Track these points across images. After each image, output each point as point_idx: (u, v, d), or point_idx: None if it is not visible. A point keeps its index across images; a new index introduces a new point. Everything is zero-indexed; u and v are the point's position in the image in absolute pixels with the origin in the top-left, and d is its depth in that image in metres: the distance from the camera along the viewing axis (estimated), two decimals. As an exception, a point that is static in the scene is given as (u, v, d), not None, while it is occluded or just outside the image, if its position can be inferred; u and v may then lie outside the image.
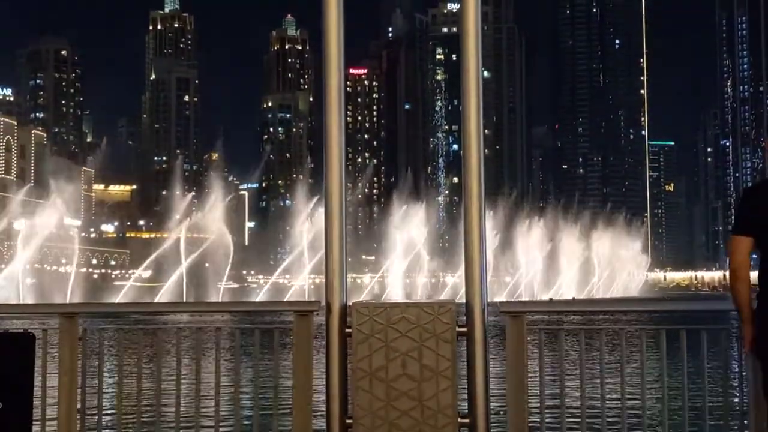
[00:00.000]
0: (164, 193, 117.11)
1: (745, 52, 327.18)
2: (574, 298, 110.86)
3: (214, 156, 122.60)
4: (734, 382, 7.49)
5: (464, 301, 7.10)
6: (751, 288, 6.71)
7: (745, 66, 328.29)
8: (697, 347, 7.37)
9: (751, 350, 6.71)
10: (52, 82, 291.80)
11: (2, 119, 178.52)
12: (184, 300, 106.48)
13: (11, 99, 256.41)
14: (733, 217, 6.69)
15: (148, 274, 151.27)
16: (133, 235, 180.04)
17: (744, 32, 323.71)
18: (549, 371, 7.48)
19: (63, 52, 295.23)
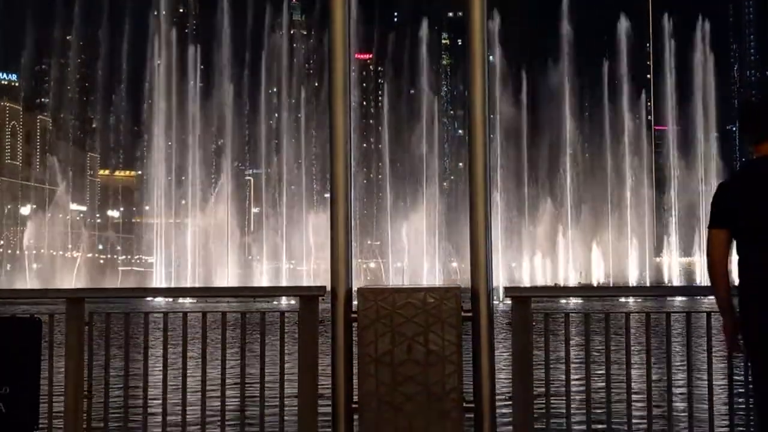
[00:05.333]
0: (169, 178, 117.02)
1: (752, 37, 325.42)
2: (580, 282, 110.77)
3: (219, 141, 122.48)
4: (740, 365, 7.50)
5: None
6: (729, 281, 6.72)
7: (752, 51, 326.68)
8: (704, 331, 7.39)
9: (730, 343, 6.71)
10: (57, 67, 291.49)
11: (7, 105, 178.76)
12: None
13: (16, 85, 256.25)
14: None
15: (153, 259, 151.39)
16: (138, 220, 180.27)
17: (751, 16, 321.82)
18: (555, 356, 7.50)
19: (68, 38, 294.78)
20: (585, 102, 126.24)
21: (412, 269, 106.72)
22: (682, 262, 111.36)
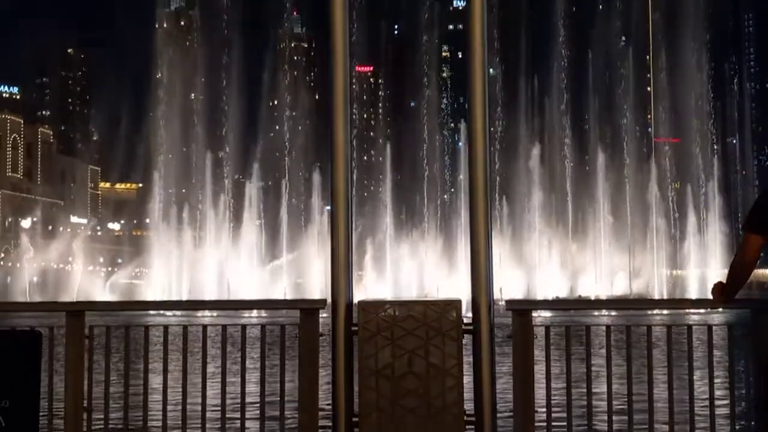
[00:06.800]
0: (171, 191, 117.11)
1: (752, 49, 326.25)
2: (580, 296, 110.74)
3: (220, 154, 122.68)
4: (742, 377, 7.48)
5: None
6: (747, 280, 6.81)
7: (752, 63, 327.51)
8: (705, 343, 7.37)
9: (719, 295, 6.87)
10: (58, 80, 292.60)
11: (9, 117, 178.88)
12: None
13: (17, 97, 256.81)
14: (740, 214, 6.70)
15: (153, 271, 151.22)
16: (139, 233, 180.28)
17: (751, 29, 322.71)
18: (556, 369, 7.48)
19: (69, 51, 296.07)
20: (586, 114, 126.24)
21: (414, 282, 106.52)
22: (682, 275, 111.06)
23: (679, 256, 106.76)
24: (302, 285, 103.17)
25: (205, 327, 7.69)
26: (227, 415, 7.59)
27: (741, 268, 6.71)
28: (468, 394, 6.95)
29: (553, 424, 7.37)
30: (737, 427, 7.31)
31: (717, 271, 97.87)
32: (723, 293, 6.89)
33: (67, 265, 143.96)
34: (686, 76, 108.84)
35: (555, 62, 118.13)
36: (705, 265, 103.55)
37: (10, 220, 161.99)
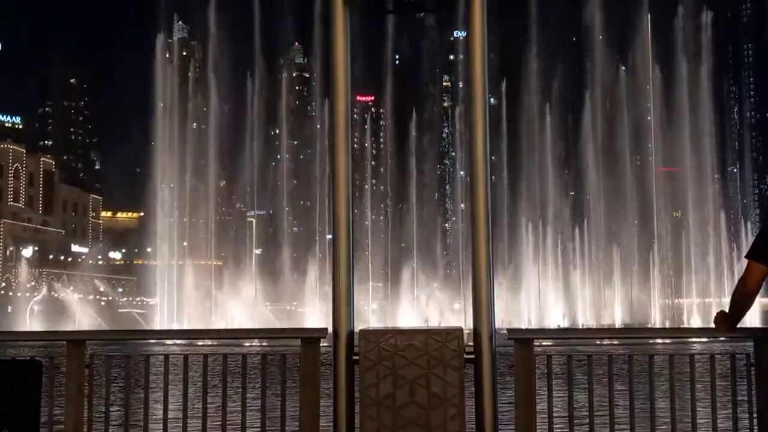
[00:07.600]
0: (172, 219, 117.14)
1: (752, 79, 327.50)
2: (583, 325, 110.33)
3: (222, 183, 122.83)
4: (744, 405, 7.44)
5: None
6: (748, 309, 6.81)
7: (752, 92, 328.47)
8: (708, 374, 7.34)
9: (722, 323, 6.86)
10: (61, 110, 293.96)
11: (11, 147, 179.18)
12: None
13: (20, 127, 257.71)
14: (747, 242, 6.70)
15: (154, 300, 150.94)
16: (140, 262, 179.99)
17: (750, 59, 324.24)
18: (558, 398, 7.44)
19: (71, 80, 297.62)
20: (586, 143, 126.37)
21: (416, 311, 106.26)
22: (683, 304, 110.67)
23: (683, 285, 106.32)
24: (303, 314, 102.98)
25: (205, 356, 7.66)
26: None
27: (743, 296, 6.72)
28: (470, 424, 6.91)
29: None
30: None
31: (718, 300, 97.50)
32: (726, 322, 6.89)
33: (68, 294, 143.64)
34: (686, 105, 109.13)
35: (554, 87, 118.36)
36: (706, 294, 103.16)
37: (11, 249, 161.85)
